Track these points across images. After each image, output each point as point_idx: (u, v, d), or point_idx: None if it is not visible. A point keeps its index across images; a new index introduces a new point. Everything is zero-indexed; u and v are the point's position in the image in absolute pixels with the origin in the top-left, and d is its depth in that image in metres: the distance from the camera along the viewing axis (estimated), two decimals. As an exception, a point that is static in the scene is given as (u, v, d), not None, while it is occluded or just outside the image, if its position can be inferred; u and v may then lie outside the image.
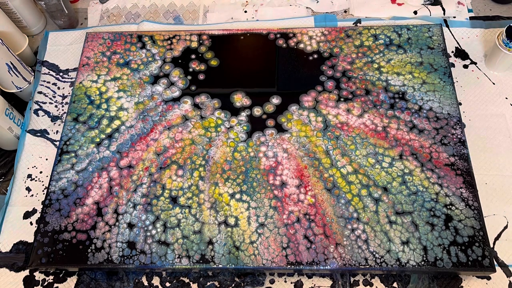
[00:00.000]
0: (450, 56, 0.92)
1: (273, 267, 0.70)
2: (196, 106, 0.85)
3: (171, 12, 1.05)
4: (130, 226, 0.74)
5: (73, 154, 0.81)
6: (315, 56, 0.89)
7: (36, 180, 0.83)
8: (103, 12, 1.06)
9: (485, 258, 0.68)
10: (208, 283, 0.73)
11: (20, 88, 0.90)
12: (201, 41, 0.93)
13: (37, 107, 0.91)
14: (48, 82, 0.94)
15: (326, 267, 0.69)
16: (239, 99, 0.86)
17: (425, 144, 0.78)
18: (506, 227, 0.74)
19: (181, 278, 0.73)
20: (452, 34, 0.94)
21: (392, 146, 0.78)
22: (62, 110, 0.91)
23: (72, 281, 0.74)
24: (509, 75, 0.88)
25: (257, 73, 0.89)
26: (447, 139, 0.78)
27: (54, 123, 0.89)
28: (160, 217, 0.74)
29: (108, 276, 0.73)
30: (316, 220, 0.72)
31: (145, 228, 0.73)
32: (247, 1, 1.05)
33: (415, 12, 0.99)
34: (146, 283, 0.73)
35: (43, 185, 0.83)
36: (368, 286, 0.71)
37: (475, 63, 0.91)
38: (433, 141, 0.78)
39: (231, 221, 0.73)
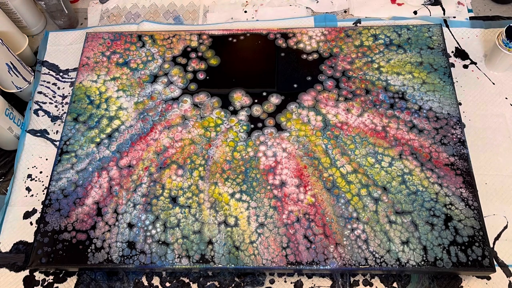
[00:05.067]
0: (450, 56, 0.92)
1: (273, 267, 0.70)
2: (195, 105, 0.86)
3: (171, 12, 1.05)
4: (130, 226, 0.74)
5: (73, 154, 0.81)
6: (315, 55, 0.89)
7: (36, 180, 0.83)
8: (103, 12, 1.06)
9: (485, 258, 0.68)
10: (208, 283, 0.73)
11: (20, 88, 0.90)
12: (201, 41, 0.93)
13: (37, 107, 0.91)
14: (48, 82, 0.94)
15: (326, 267, 0.69)
16: (239, 98, 0.86)
17: (425, 144, 0.78)
18: (506, 227, 0.74)
19: (181, 278, 0.73)
20: (452, 34, 0.94)
21: (391, 146, 0.78)
22: (62, 110, 0.91)
23: (72, 281, 0.74)
24: (509, 75, 0.88)
25: (256, 72, 0.89)
26: (447, 139, 0.78)
27: (54, 123, 0.89)
28: (160, 217, 0.74)
29: (108, 276, 0.73)
30: (316, 220, 0.72)
31: (145, 228, 0.73)
32: (247, 1, 1.05)
33: (415, 12, 0.99)
34: (146, 283, 0.73)
35: (43, 185, 0.83)
36: (368, 286, 0.71)
37: (475, 63, 0.91)
38: (433, 141, 0.78)
39: (231, 221, 0.73)
